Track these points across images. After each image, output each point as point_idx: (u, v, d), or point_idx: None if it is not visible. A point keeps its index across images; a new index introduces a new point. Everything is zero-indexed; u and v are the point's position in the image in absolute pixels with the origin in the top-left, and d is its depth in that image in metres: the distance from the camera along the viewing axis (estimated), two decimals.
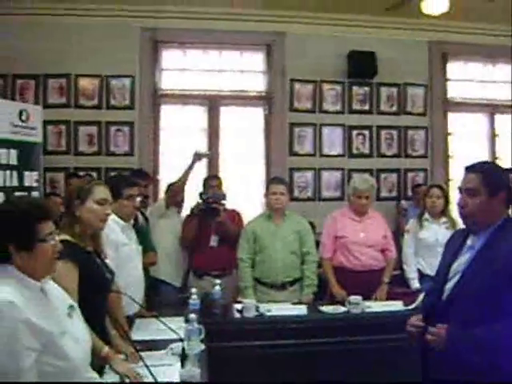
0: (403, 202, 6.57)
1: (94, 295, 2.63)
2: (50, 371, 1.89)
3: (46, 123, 5.85)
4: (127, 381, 2.54)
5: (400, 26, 6.40)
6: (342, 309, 4.17)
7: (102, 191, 2.87)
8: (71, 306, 2.15)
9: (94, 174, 5.95)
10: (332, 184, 6.65)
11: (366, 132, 6.70)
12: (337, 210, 4.88)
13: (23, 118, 5.28)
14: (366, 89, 6.69)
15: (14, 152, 5.14)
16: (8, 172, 5.05)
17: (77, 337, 2.05)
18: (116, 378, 2.57)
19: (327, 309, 4.19)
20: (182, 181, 5.03)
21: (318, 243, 4.75)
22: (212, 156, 5.35)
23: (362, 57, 6.43)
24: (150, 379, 2.50)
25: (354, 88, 6.66)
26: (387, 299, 4.47)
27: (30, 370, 1.82)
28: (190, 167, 5.03)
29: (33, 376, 1.83)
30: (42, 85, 6.17)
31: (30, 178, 5.24)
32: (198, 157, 5.06)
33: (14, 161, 5.13)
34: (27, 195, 4.89)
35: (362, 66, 6.47)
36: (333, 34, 6.41)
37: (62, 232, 2.56)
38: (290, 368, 3.80)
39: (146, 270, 4.20)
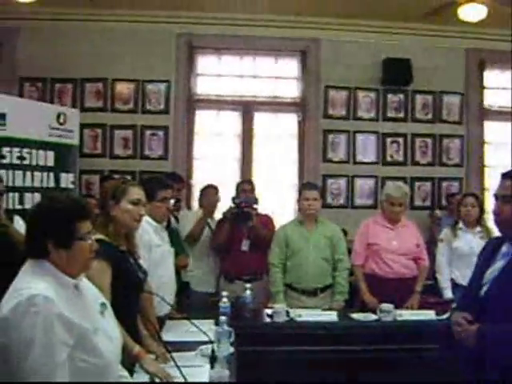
0: (437, 212, 6.49)
1: (127, 294, 2.66)
2: (82, 367, 1.91)
3: (82, 126, 5.96)
4: (157, 380, 2.56)
5: (436, 33, 6.34)
6: (372, 316, 4.13)
7: (136, 192, 2.91)
8: (103, 304, 2.17)
9: (129, 177, 6.00)
10: (365, 192, 6.62)
11: (401, 140, 6.65)
12: (370, 217, 4.85)
13: (61, 120, 5.38)
14: (401, 96, 6.64)
15: (51, 154, 5.25)
16: (45, 173, 5.15)
17: (109, 334, 2.07)
18: (146, 378, 2.59)
19: (358, 316, 4.16)
20: (197, 232, 5.05)
21: (349, 251, 4.73)
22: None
23: (397, 64, 6.39)
24: (180, 380, 2.53)
25: (389, 95, 6.62)
26: (419, 308, 4.42)
27: (63, 364, 1.85)
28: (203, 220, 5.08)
29: (66, 371, 1.86)
30: (79, 89, 6.30)
31: (66, 179, 5.35)
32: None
33: (51, 162, 5.23)
34: (66, 192, 4.96)
35: (396, 73, 6.44)
36: (368, 40, 6.39)
37: (97, 231, 2.59)
38: (318, 375, 3.77)
39: (177, 272, 4.24)
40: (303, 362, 3.82)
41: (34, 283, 1.90)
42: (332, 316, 4.13)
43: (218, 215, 5.39)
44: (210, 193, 5.29)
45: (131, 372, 2.55)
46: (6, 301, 1.87)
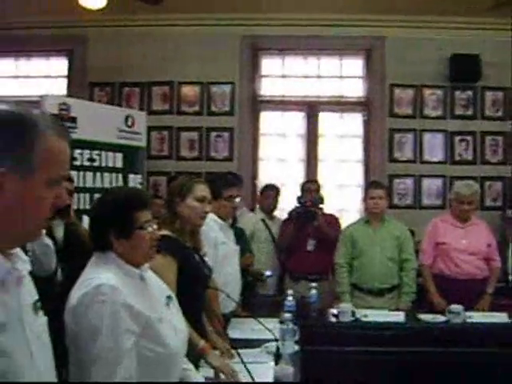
0: (509, 212, 6.27)
1: (192, 290, 2.69)
2: (148, 355, 1.96)
3: (149, 129, 6.09)
4: (222, 376, 2.58)
5: (506, 27, 6.11)
6: (441, 318, 4.03)
7: (202, 189, 2.95)
8: (169, 297, 2.21)
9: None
10: (433, 191, 6.46)
11: (470, 138, 6.45)
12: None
13: (129, 123, 5.52)
14: (470, 93, 6.44)
15: (119, 155, 5.39)
16: (114, 174, 5.29)
17: (174, 325, 2.11)
18: (211, 372, 2.62)
19: (426, 317, 4.07)
20: None
21: (417, 252, 4.64)
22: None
23: (465, 60, 6.20)
24: (245, 375, 2.54)
25: (457, 92, 6.44)
26: (490, 310, 4.29)
27: (129, 351, 1.89)
28: None
29: (132, 358, 1.90)
30: (146, 92, 6.44)
31: (134, 180, 5.48)
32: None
33: (119, 164, 5.37)
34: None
35: (464, 69, 6.26)
36: (434, 37, 6.22)
37: (163, 228, 2.64)
38: (383, 376, 3.71)
39: (243, 271, 4.27)
40: (368, 362, 3.76)
41: (100, 273, 1.96)
42: (399, 317, 4.06)
43: (279, 215, 5.41)
44: (268, 193, 5.30)
45: (196, 366, 2.58)
46: (75, 291, 1.95)
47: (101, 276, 1.94)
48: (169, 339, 2.02)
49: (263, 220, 5.20)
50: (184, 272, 2.66)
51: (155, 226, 2.14)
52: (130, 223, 2.04)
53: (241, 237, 4.44)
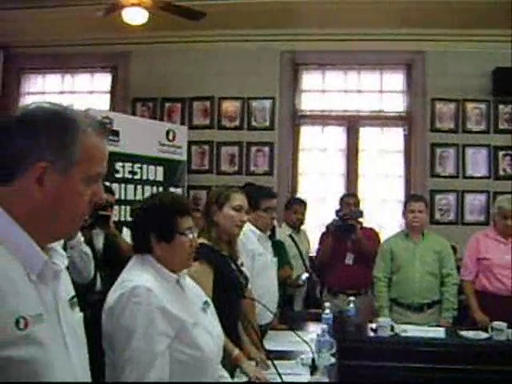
0: None
1: (228, 298, 2.70)
2: (181, 359, 1.97)
3: (190, 143, 6.17)
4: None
5: None
6: (483, 335, 3.93)
7: (239, 198, 2.96)
8: (206, 302, 2.23)
9: None
10: (476, 207, 6.33)
11: None
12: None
13: (170, 137, 5.61)
14: None
15: (160, 169, 5.48)
16: (155, 187, 5.38)
17: (210, 330, 2.11)
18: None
19: (467, 334, 3.96)
20: None
21: (458, 269, 4.55)
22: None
23: (509, 73, 6.08)
24: None
25: (500, 106, 6.32)
26: None
27: (162, 354, 1.91)
28: None
29: (165, 361, 1.91)
30: (187, 107, 6.52)
31: None
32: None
33: (160, 177, 5.46)
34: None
35: (508, 83, 6.13)
36: (475, 50, 6.13)
37: (200, 236, 2.66)
38: None
39: (281, 283, 4.26)
40: (407, 379, 3.70)
41: (137, 276, 1.99)
42: (439, 332, 3.98)
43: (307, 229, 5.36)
44: (295, 208, 5.26)
45: (232, 375, 2.58)
46: (112, 292, 1.98)
47: (138, 278, 1.97)
48: (203, 344, 2.03)
49: (290, 235, 5.15)
50: (220, 280, 2.67)
51: (195, 234, 2.17)
52: (172, 228, 2.07)
53: (279, 249, 4.43)
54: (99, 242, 4.04)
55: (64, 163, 1.27)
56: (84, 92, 6.70)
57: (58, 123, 1.29)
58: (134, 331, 1.87)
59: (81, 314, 1.45)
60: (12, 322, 1.16)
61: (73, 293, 1.43)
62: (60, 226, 1.33)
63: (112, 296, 1.97)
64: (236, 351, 2.62)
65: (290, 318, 4.29)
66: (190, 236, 2.11)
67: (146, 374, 1.85)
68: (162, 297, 1.95)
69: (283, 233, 5.08)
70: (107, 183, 4.74)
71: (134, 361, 1.86)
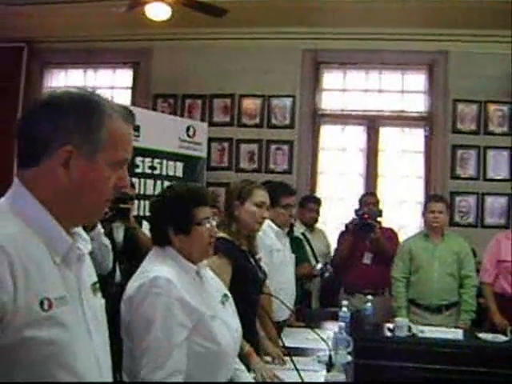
0: None
1: (246, 293, 2.69)
2: (198, 351, 1.97)
3: (210, 140, 6.18)
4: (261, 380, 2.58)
5: None
6: (502, 338, 3.91)
7: (261, 194, 2.96)
8: (226, 295, 2.23)
9: None
10: (496, 210, 6.26)
11: None
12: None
13: (190, 133, 5.62)
14: None
15: (180, 165, 5.49)
16: (174, 183, 5.37)
17: (228, 323, 2.11)
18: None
19: (486, 336, 3.94)
20: None
21: (478, 272, 4.51)
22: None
23: None
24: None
25: None
26: None
27: (181, 345, 1.91)
28: None
29: (183, 352, 1.92)
30: (208, 104, 6.52)
31: None
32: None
33: (179, 173, 5.47)
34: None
35: None
36: (498, 51, 6.06)
37: (220, 230, 2.66)
38: None
39: (300, 280, 4.27)
40: (423, 380, 3.68)
41: (157, 266, 2.00)
42: (457, 334, 3.96)
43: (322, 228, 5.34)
44: (309, 206, 5.23)
45: (248, 370, 2.59)
46: (132, 282, 1.99)
47: (157, 269, 1.98)
48: (221, 337, 2.03)
49: (303, 234, 5.12)
50: (238, 274, 2.68)
51: (214, 223, 2.17)
52: (189, 219, 2.08)
53: (298, 246, 4.43)
54: (119, 235, 4.07)
55: (90, 147, 1.28)
56: (106, 87, 6.72)
57: (84, 107, 1.30)
58: (153, 321, 1.88)
59: (103, 301, 1.46)
60: (37, 302, 1.17)
61: (95, 278, 1.44)
62: (84, 210, 1.34)
63: (132, 286, 1.98)
64: (247, 347, 2.60)
65: (306, 315, 4.28)
66: (208, 225, 2.11)
67: (163, 364, 1.86)
68: (181, 288, 1.95)
69: (297, 230, 5.07)
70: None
71: (152, 351, 1.86)
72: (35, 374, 1.17)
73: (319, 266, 4.59)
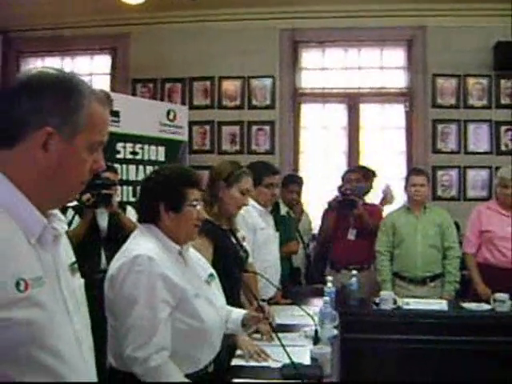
0: None
1: (229, 272, 2.71)
2: (182, 328, 1.99)
3: (191, 124, 6.17)
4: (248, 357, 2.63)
5: None
6: (486, 306, 3.96)
7: (248, 182, 2.99)
8: (212, 275, 2.25)
9: None
10: (478, 183, 6.32)
11: None
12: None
13: (170, 117, 5.61)
14: None
15: (161, 149, 5.49)
16: (156, 168, 5.35)
17: (212, 301, 2.14)
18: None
19: (470, 305, 4.00)
20: None
21: (462, 244, 4.56)
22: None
23: (510, 47, 6.03)
24: (284, 357, 2.54)
25: (502, 81, 6.27)
26: None
27: (165, 321, 1.93)
28: None
29: (168, 328, 1.94)
30: (187, 87, 6.50)
31: None
32: None
33: (161, 157, 5.47)
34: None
35: (509, 57, 6.04)
36: (477, 24, 6.07)
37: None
38: (425, 364, 3.69)
39: (289, 258, 4.30)
40: (409, 351, 3.73)
41: (140, 245, 2.02)
42: (441, 305, 4.01)
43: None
44: (292, 187, 5.19)
45: (233, 353, 2.65)
46: (115, 261, 2.01)
47: (140, 247, 2.00)
48: (204, 315, 2.05)
49: (288, 213, 5.13)
50: (220, 254, 2.69)
51: (200, 207, 2.19)
52: (182, 198, 2.11)
53: (286, 224, 4.46)
54: (104, 221, 4.07)
55: (69, 129, 1.28)
56: (84, 74, 6.65)
57: (63, 88, 1.29)
58: (136, 299, 1.90)
59: (82, 280, 1.46)
60: (13, 284, 1.17)
61: (73, 258, 1.44)
62: (61, 192, 1.34)
63: (114, 265, 2.00)
64: None
65: (293, 293, 4.31)
66: (198, 207, 2.14)
67: (149, 340, 1.88)
68: (163, 266, 1.97)
69: (282, 210, 5.08)
70: (109, 163, 4.76)
71: (137, 328, 1.88)
72: (15, 355, 1.17)
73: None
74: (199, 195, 2.19)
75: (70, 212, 3.88)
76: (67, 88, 1.29)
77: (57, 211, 1.40)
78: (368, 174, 5.41)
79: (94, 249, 3.98)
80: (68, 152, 1.28)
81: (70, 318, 1.32)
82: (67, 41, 6.53)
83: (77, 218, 3.91)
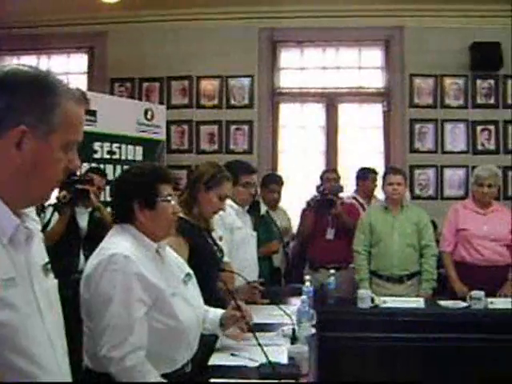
0: None
1: (206, 271, 2.69)
2: (158, 328, 1.98)
3: (169, 123, 6.16)
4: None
5: None
6: (462, 304, 3.99)
7: (228, 188, 3.00)
8: (188, 274, 2.24)
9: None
10: (455, 182, 6.39)
11: (492, 127, 6.37)
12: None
13: (148, 116, 5.59)
14: (491, 82, 6.35)
15: (139, 149, 5.48)
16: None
17: (189, 301, 2.12)
18: (226, 355, 2.65)
19: (446, 303, 4.03)
20: None
21: (439, 242, 4.59)
22: None
23: (486, 48, 6.11)
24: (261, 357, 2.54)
25: (478, 81, 6.35)
26: None
27: (140, 321, 1.92)
28: None
29: (144, 327, 1.93)
30: (165, 87, 6.48)
31: None
32: None
33: (139, 157, 5.45)
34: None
35: (486, 57, 6.16)
36: (453, 25, 6.14)
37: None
38: (403, 362, 3.70)
39: (267, 259, 4.30)
40: (387, 349, 3.75)
41: (116, 244, 2.00)
42: (419, 303, 4.03)
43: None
44: (272, 187, 5.21)
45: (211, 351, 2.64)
46: (91, 260, 1.99)
47: (116, 246, 1.98)
48: (181, 314, 2.04)
49: (267, 212, 5.13)
50: (196, 253, 2.68)
51: (174, 202, 2.18)
52: (155, 194, 2.09)
53: (267, 224, 4.46)
54: (83, 221, 4.04)
55: (44, 128, 1.25)
56: (60, 74, 6.56)
57: (39, 87, 1.26)
58: (111, 298, 1.88)
59: (55, 281, 1.44)
60: None
61: (47, 259, 1.42)
62: (35, 192, 1.32)
63: (90, 264, 1.98)
64: None
65: (271, 292, 4.31)
66: (173, 202, 2.13)
67: (124, 340, 1.87)
68: (140, 265, 1.96)
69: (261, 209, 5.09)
70: (85, 164, 4.73)
71: (113, 327, 1.87)
72: None
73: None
74: (171, 190, 2.17)
75: (50, 210, 3.85)
76: (42, 86, 1.27)
77: (31, 210, 1.38)
78: (366, 175, 5.54)
79: (72, 248, 3.95)
80: (42, 151, 1.26)
81: (43, 320, 1.30)
82: (43, 39, 6.49)
83: (56, 215, 3.87)
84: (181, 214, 2.70)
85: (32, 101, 1.25)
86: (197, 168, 3.15)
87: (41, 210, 3.86)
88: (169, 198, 2.12)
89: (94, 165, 4.80)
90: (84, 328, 1.98)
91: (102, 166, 5.09)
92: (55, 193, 3.87)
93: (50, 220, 3.82)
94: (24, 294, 1.26)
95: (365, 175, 5.56)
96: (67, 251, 3.79)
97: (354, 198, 5.52)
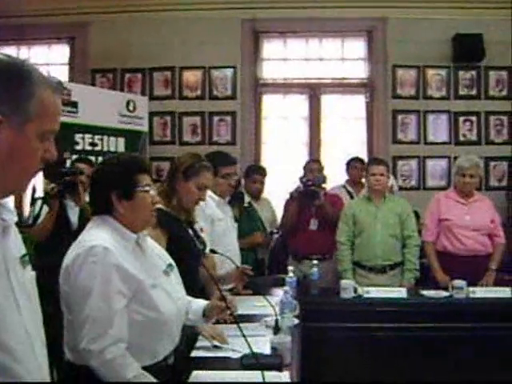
0: None
1: (185, 263, 2.67)
2: (139, 320, 1.96)
3: (152, 115, 6.12)
4: (215, 342, 2.64)
5: (508, 6, 6.02)
6: (444, 293, 4.02)
7: (207, 177, 2.97)
8: (170, 265, 2.23)
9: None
10: (437, 173, 6.43)
11: (474, 118, 6.41)
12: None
13: (130, 108, 5.55)
14: (473, 73, 6.39)
15: (121, 140, 5.44)
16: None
17: (170, 292, 2.11)
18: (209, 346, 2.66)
19: (429, 293, 4.06)
20: None
21: (421, 232, 4.62)
22: None
23: (468, 39, 6.13)
24: (245, 348, 2.54)
25: (460, 72, 6.38)
26: (494, 286, 4.26)
27: (120, 313, 1.90)
28: None
29: (124, 319, 1.91)
30: (148, 78, 6.43)
31: None
32: None
33: (121, 148, 5.42)
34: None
35: (468, 49, 6.19)
36: (436, 17, 6.16)
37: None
38: (385, 351, 3.72)
39: (252, 250, 4.30)
40: (370, 338, 3.77)
41: (95, 236, 1.98)
42: (401, 292, 4.05)
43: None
44: (255, 177, 5.21)
45: (194, 343, 2.64)
46: (70, 253, 1.97)
47: (95, 238, 1.97)
48: (162, 306, 2.03)
49: (250, 203, 5.12)
50: (175, 245, 2.66)
51: (153, 192, 2.16)
52: (133, 184, 2.07)
53: (252, 215, 4.44)
54: (74, 215, 3.98)
55: (20, 118, 1.23)
56: (41, 64, 6.49)
57: (14, 75, 1.24)
58: (91, 290, 1.87)
59: (33, 273, 1.42)
60: None
61: (24, 251, 1.40)
62: (11, 182, 1.30)
63: (69, 256, 1.96)
64: None
65: (255, 283, 4.31)
66: (151, 192, 2.11)
67: (104, 332, 1.85)
68: (119, 256, 1.94)
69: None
70: (67, 154, 4.69)
71: (92, 319, 1.85)
72: None
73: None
74: (149, 180, 2.15)
75: (39, 203, 3.81)
76: (18, 75, 1.25)
77: (6, 201, 1.36)
78: (354, 164, 5.61)
79: (63, 243, 3.89)
80: (18, 141, 1.24)
81: (20, 312, 1.28)
82: (23, 29, 6.39)
83: (45, 209, 3.82)
84: (160, 206, 2.70)
85: (7, 90, 1.22)
86: (175, 159, 3.12)
87: (31, 204, 3.83)
88: (147, 187, 2.09)
89: (75, 157, 4.74)
90: (64, 321, 1.97)
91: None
92: (44, 185, 3.83)
93: (39, 213, 3.77)
94: (1, 287, 1.24)
95: (353, 164, 5.59)
96: (58, 246, 3.74)
97: (344, 186, 5.54)
